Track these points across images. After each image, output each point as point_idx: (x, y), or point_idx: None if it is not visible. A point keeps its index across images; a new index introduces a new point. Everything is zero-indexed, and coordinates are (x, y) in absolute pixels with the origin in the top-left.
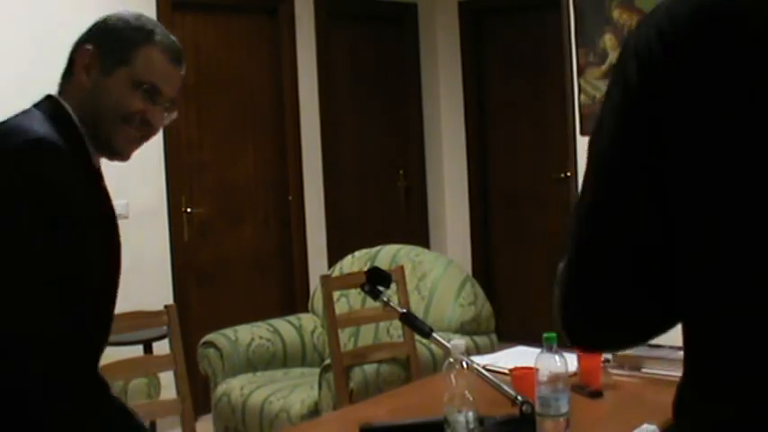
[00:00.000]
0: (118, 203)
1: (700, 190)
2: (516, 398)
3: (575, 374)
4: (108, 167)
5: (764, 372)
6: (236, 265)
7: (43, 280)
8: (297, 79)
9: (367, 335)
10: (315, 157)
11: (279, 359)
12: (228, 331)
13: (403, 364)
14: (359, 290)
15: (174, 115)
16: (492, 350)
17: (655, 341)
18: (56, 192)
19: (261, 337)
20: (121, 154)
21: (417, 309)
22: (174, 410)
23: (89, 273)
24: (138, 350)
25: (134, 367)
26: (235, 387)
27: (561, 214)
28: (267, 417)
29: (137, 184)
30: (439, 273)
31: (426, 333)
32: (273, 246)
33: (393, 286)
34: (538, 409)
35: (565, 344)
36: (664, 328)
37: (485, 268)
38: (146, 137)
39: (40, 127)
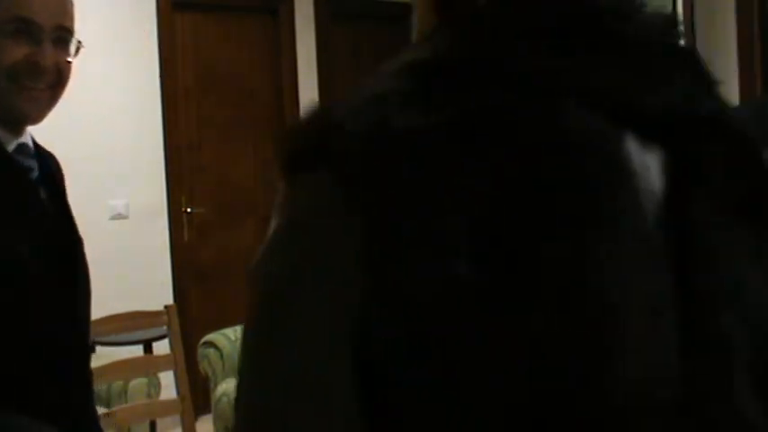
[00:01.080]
0: (118, 203)
1: None
2: None
3: None
4: (107, 167)
5: None
6: (236, 265)
7: None
8: (297, 79)
9: None
10: None
11: None
12: (228, 331)
13: None
14: None
15: (77, 46)
16: None
17: None
18: None
19: None
20: (28, 116)
21: None
22: (174, 410)
23: None
24: (138, 350)
25: (134, 367)
26: (235, 387)
27: None
28: None
29: (137, 184)
30: None
31: None
32: None
33: None
34: None
35: None
36: None
37: None
38: (54, 86)
39: None
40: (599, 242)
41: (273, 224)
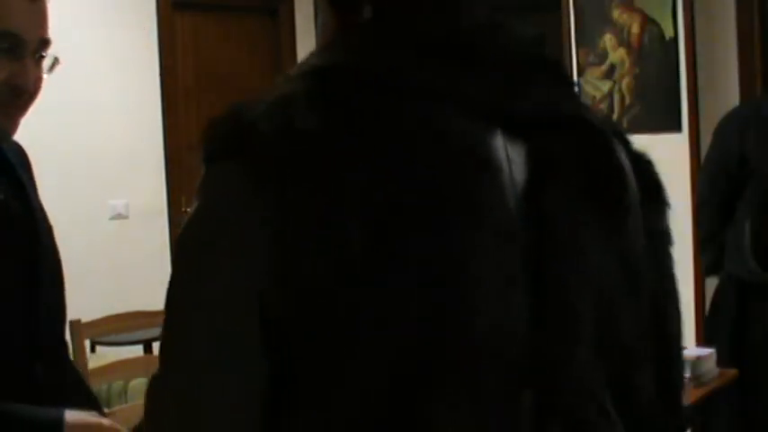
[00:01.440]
0: (118, 203)
1: None
2: None
3: None
4: (107, 167)
5: None
6: None
7: None
8: None
9: None
10: None
11: None
12: None
13: None
14: None
15: (51, 62)
16: None
17: None
18: None
19: None
20: (6, 132)
21: None
22: None
23: None
24: (138, 350)
25: (134, 367)
26: None
27: None
28: None
29: (137, 184)
30: None
31: None
32: None
33: None
34: None
35: None
36: None
37: None
38: (27, 103)
39: None
40: (466, 228)
41: (194, 204)
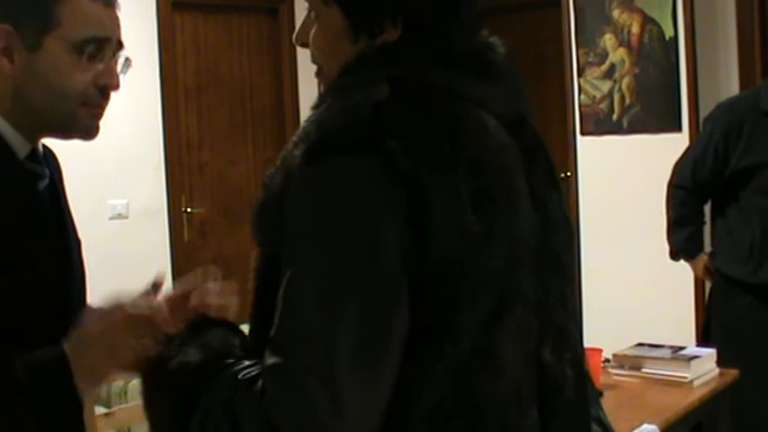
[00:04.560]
0: (118, 203)
1: None
2: None
3: None
4: (107, 167)
5: None
6: (236, 265)
7: None
8: (297, 79)
9: None
10: None
11: None
12: None
13: None
14: None
15: (128, 64)
16: None
17: (654, 341)
18: None
19: None
20: (93, 134)
21: None
22: None
23: None
24: None
25: None
26: None
27: None
28: None
29: (137, 184)
30: None
31: None
32: None
33: None
34: None
35: None
36: None
37: None
38: (107, 101)
39: None
40: (516, 209)
41: (315, 191)
